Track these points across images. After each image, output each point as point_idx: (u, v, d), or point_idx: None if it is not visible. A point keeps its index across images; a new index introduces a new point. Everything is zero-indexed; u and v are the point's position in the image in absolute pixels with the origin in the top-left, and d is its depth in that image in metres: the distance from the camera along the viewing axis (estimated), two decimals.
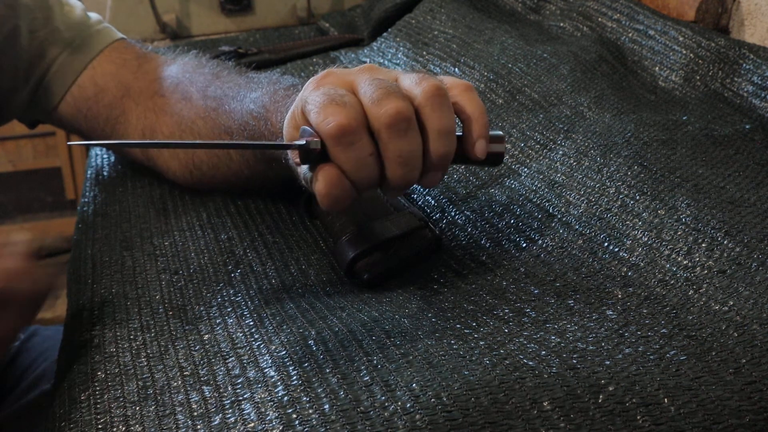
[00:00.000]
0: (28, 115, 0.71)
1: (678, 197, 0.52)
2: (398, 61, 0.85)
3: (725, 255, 0.47)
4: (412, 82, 0.45)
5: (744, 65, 0.69)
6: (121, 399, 0.41)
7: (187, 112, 0.64)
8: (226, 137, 0.60)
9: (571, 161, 0.59)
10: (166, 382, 0.42)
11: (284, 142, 0.49)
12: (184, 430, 0.38)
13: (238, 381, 0.41)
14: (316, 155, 0.44)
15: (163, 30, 1.21)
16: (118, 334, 0.48)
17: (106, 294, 0.52)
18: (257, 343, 0.44)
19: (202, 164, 0.65)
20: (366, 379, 0.39)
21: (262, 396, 0.39)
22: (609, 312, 0.44)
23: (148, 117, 0.66)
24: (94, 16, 0.71)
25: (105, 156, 0.78)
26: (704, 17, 0.80)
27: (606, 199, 0.54)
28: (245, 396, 0.39)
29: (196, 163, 0.65)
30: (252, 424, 0.37)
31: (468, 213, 0.58)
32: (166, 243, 0.58)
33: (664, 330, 0.42)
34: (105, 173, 0.74)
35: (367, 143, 0.43)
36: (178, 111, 0.64)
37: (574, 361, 0.39)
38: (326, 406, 0.37)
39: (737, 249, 0.47)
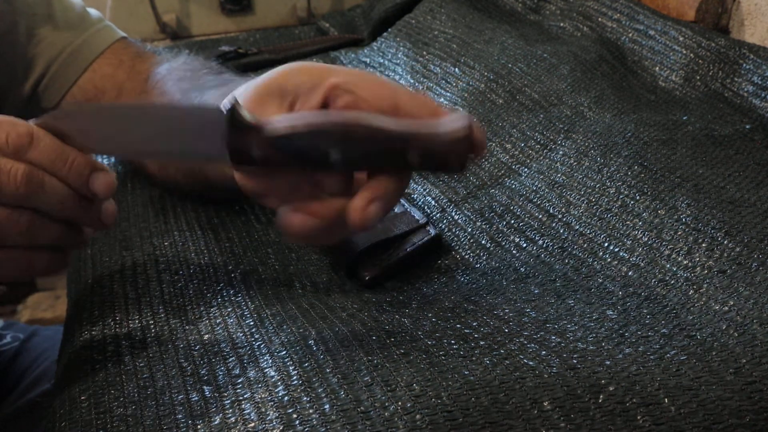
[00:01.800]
0: (25, 114, 0.71)
1: (678, 197, 0.52)
2: (398, 61, 0.85)
3: (725, 255, 0.47)
4: None
5: (744, 65, 0.69)
6: (121, 399, 0.41)
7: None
8: None
9: (572, 161, 0.59)
10: (166, 382, 0.42)
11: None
12: (184, 429, 0.38)
13: (239, 381, 0.41)
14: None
15: (163, 30, 1.21)
16: (119, 334, 0.48)
17: (106, 294, 0.52)
18: (257, 343, 0.44)
19: (177, 173, 0.64)
20: (366, 378, 0.38)
21: (263, 396, 0.39)
22: (609, 312, 0.44)
23: None
24: (94, 13, 0.71)
25: (104, 156, 0.78)
26: (704, 17, 0.80)
27: (606, 199, 0.54)
28: (245, 396, 0.39)
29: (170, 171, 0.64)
30: (252, 424, 0.37)
31: (468, 213, 0.58)
32: (166, 243, 0.58)
33: (664, 330, 0.42)
34: None
35: None
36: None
37: (575, 361, 0.39)
38: (327, 406, 0.37)
39: (737, 249, 0.47)
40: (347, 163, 0.42)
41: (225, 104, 0.42)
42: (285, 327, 0.45)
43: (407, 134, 0.42)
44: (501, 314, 0.45)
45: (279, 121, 0.42)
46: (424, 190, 0.62)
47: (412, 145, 0.41)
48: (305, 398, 0.38)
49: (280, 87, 0.46)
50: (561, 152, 0.61)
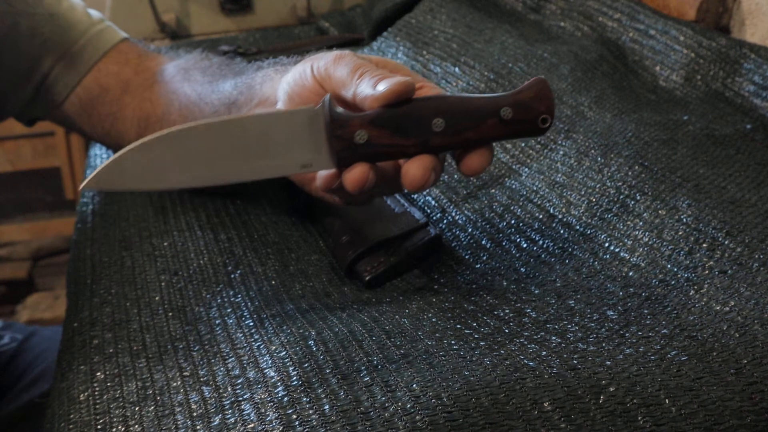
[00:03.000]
0: (27, 113, 0.71)
1: (679, 197, 0.52)
2: (398, 61, 0.85)
3: (726, 255, 0.47)
4: None
5: (745, 65, 0.69)
6: (121, 399, 0.41)
7: (190, 91, 0.63)
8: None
9: (572, 161, 0.59)
10: (165, 383, 0.42)
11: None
12: (183, 430, 0.38)
13: (238, 381, 0.41)
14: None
15: (162, 30, 1.21)
16: (118, 334, 0.47)
17: (106, 294, 0.52)
18: (257, 344, 0.44)
19: None
20: (366, 379, 0.38)
21: (262, 396, 0.39)
22: (610, 312, 0.44)
23: (144, 107, 0.66)
24: (95, 14, 0.71)
25: (104, 156, 0.78)
26: (705, 17, 0.80)
27: (607, 200, 0.54)
28: (245, 396, 0.39)
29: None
30: (252, 425, 0.37)
31: (468, 213, 0.58)
32: (165, 243, 0.58)
33: (665, 330, 0.42)
34: None
35: None
36: (175, 90, 0.64)
37: (575, 362, 0.38)
38: (326, 407, 0.37)
39: (738, 249, 0.47)
40: (449, 128, 0.44)
41: (323, 101, 0.45)
42: (285, 327, 0.45)
43: (495, 96, 0.46)
44: (501, 314, 0.45)
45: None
46: (425, 190, 0.62)
47: (503, 101, 0.45)
48: (305, 399, 0.38)
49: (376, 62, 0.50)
50: (561, 152, 0.61)
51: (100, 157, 0.78)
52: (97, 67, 0.68)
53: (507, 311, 0.45)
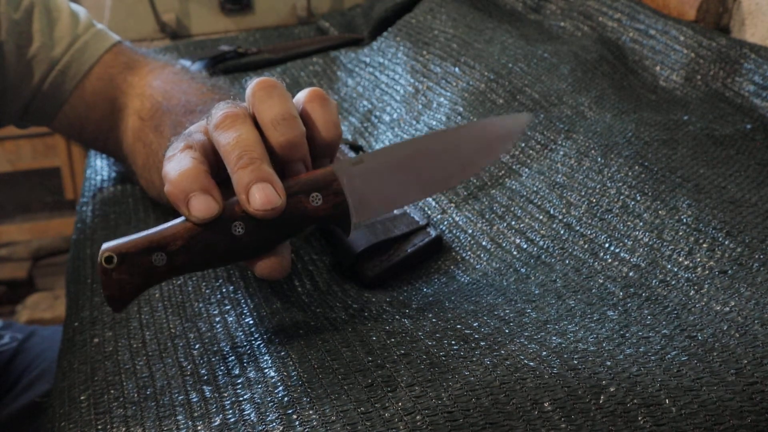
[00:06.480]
0: (23, 126, 0.71)
1: (679, 197, 0.52)
2: (398, 61, 0.85)
3: (726, 255, 0.47)
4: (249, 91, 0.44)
5: (745, 65, 0.69)
6: (121, 399, 0.41)
7: (157, 146, 0.60)
8: None
9: (572, 162, 0.59)
10: (166, 382, 0.42)
11: None
12: (184, 430, 0.38)
13: (239, 381, 0.41)
14: None
15: (162, 29, 1.21)
16: (118, 333, 0.47)
17: None
18: (257, 343, 0.44)
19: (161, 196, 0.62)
20: (366, 379, 0.38)
21: (263, 396, 0.39)
22: (610, 312, 0.44)
23: (129, 138, 0.65)
24: (82, 16, 0.69)
25: (104, 156, 0.78)
26: (705, 17, 0.80)
27: (607, 200, 0.54)
28: (246, 396, 0.39)
29: (159, 193, 0.63)
30: (252, 425, 0.37)
31: (469, 214, 0.58)
32: None
33: (665, 331, 0.42)
34: (104, 173, 0.74)
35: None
36: (149, 143, 0.62)
37: (575, 362, 0.38)
38: (326, 407, 0.37)
39: (738, 249, 0.47)
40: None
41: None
42: (285, 326, 0.45)
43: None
44: (501, 315, 0.45)
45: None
46: None
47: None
48: (305, 399, 0.38)
49: None
50: (561, 152, 0.61)
51: (100, 156, 0.78)
52: (81, 85, 0.67)
53: (507, 311, 0.45)
